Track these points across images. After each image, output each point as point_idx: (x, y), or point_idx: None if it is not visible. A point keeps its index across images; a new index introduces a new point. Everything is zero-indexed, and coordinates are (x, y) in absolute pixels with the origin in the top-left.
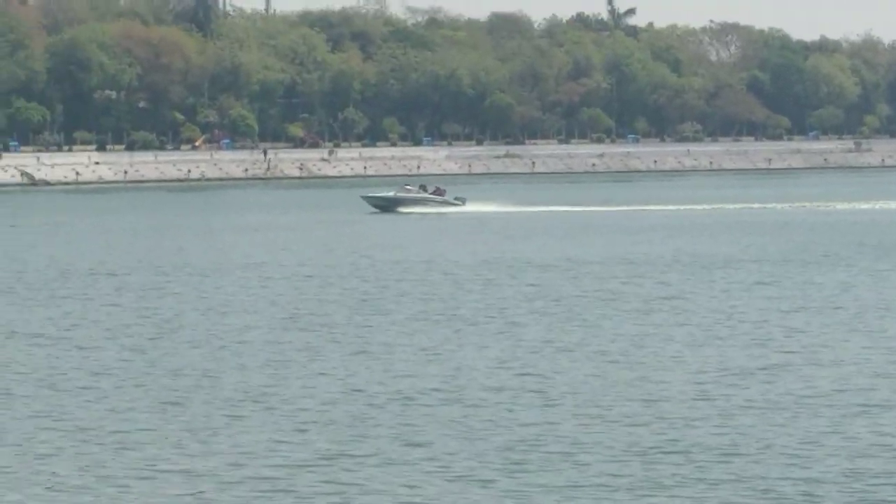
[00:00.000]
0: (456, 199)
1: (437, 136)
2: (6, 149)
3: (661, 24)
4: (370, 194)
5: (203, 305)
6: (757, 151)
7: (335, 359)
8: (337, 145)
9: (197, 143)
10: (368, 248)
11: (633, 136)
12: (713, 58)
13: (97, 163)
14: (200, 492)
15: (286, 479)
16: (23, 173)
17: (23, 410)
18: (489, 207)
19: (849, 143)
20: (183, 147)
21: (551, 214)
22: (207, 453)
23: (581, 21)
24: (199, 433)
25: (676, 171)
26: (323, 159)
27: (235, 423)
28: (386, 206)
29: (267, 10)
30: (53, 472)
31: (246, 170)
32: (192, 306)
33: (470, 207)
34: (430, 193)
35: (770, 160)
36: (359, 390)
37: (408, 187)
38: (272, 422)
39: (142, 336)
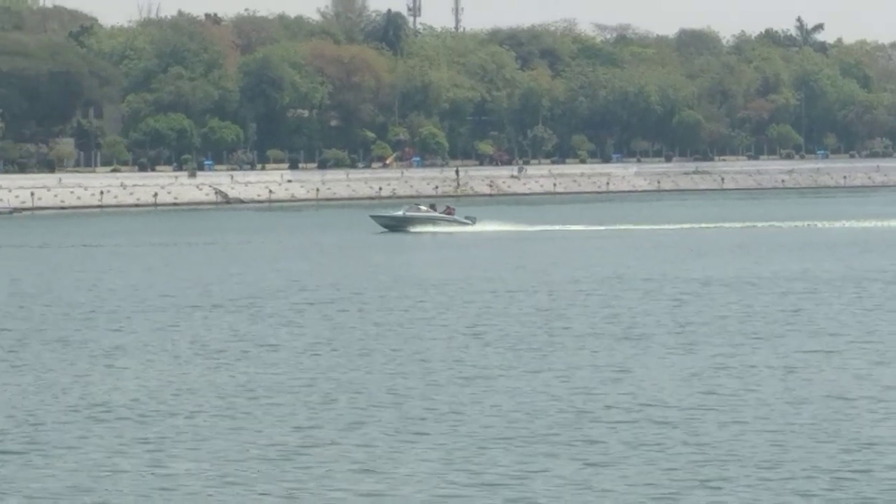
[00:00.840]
0: (466, 218)
1: (626, 152)
2: (201, 167)
3: (849, 39)
4: (379, 214)
5: (390, 320)
6: None
7: (520, 376)
8: (526, 162)
9: (388, 161)
10: (548, 265)
11: (822, 151)
12: None
13: (289, 181)
14: None
15: (468, 499)
16: (217, 191)
17: (211, 427)
18: (501, 227)
19: None
20: (374, 165)
21: (569, 233)
22: (389, 472)
23: (769, 37)
24: (383, 451)
25: (866, 186)
26: (512, 176)
27: (420, 441)
28: (395, 225)
29: (456, 28)
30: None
31: (436, 187)
32: (378, 322)
33: (479, 227)
34: (440, 213)
35: None
36: (543, 407)
37: (420, 207)
38: (453, 440)
39: (333, 352)
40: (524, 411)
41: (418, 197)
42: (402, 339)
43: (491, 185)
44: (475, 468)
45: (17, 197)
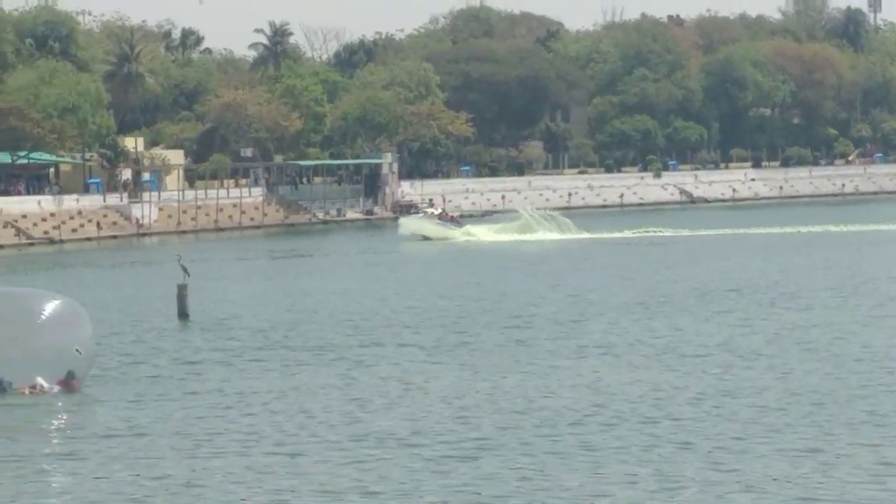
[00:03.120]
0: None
1: None
2: (665, 168)
3: None
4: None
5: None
6: None
7: None
8: None
9: (850, 158)
10: None
11: None
12: None
13: (752, 179)
14: None
15: None
16: (681, 191)
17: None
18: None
19: None
20: (836, 162)
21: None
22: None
23: None
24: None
25: None
26: None
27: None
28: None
29: None
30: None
31: None
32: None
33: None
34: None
35: None
36: None
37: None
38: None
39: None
40: None
41: (882, 192)
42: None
43: None
44: None
45: (488, 200)
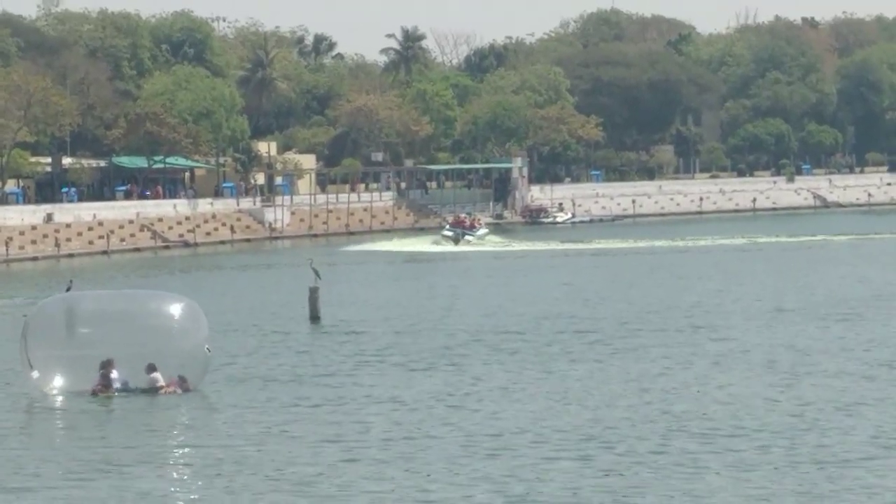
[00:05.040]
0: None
1: None
2: (798, 172)
3: None
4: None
5: None
6: None
7: None
8: None
9: None
10: None
11: None
12: None
13: (889, 184)
14: None
15: None
16: (815, 196)
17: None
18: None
19: None
20: None
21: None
22: None
23: None
24: None
25: None
26: None
27: None
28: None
29: None
30: None
31: None
32: None
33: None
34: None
35: None
36: None
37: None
38: None
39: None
40: None
41: None
42: None
43: None
44: None
45: (618, 204)
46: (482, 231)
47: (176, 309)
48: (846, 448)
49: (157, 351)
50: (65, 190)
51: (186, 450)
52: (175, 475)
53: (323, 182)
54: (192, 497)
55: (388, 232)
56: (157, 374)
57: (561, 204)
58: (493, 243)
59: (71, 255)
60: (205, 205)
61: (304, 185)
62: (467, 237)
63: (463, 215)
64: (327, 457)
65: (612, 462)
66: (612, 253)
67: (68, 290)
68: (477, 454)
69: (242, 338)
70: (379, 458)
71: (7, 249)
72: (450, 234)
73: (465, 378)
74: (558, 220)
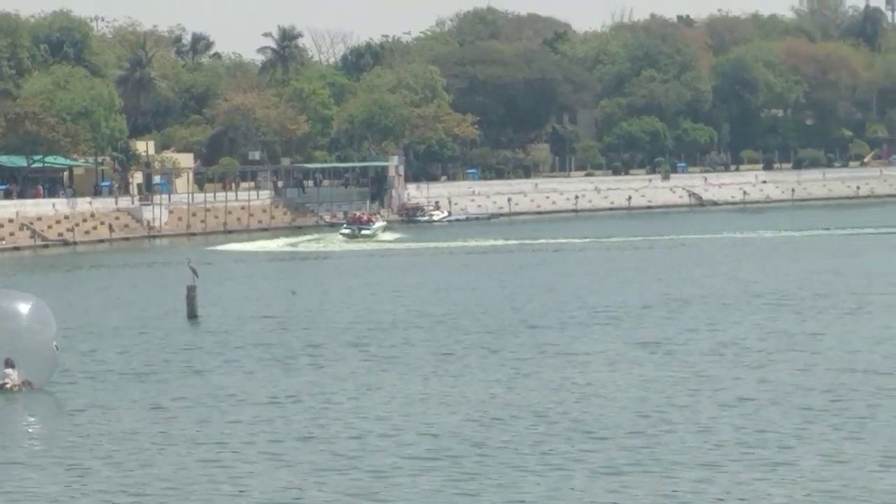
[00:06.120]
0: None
1: None
2: (674, 170)
3: None
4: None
5: None
6: None
7: None
8: None
9: (866, 160)
10: None
11: None
12: None
13: (764, 182)
14: None
15: None
16: (690, 194)
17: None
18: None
19: None
20: (851, 164)
21: None
22: None
23: None
24: None
25: None
26: None
27: None
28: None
29: None
30: None
31: None
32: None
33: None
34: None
35: None
36: None
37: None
38: None
39: None
40: None
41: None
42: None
43: None
44: None
45: (494, 203)
46: (378, 225)
47: (23, 307)
48: (690, 450)
49: (2, 349)
50: None
51: (39, 447)
52: (34, 476)
53: (201, 181)
54: (51, 497)
55: (267, 230)
56: (10, 371)
57: (437, 202)
58: (386, 240)
59: None
60: (84, 204)
61: (182, 184)
62: (364, 232)
63: (359, 212)
64: (196, 455)
65: (462, 462)
66: (486, 251)
67: None
68: (339, 455)
69: (119, 336)
70: (245, 457)
71: None
72: (347, 231)
73: (328, 377)
74: (435, 218)
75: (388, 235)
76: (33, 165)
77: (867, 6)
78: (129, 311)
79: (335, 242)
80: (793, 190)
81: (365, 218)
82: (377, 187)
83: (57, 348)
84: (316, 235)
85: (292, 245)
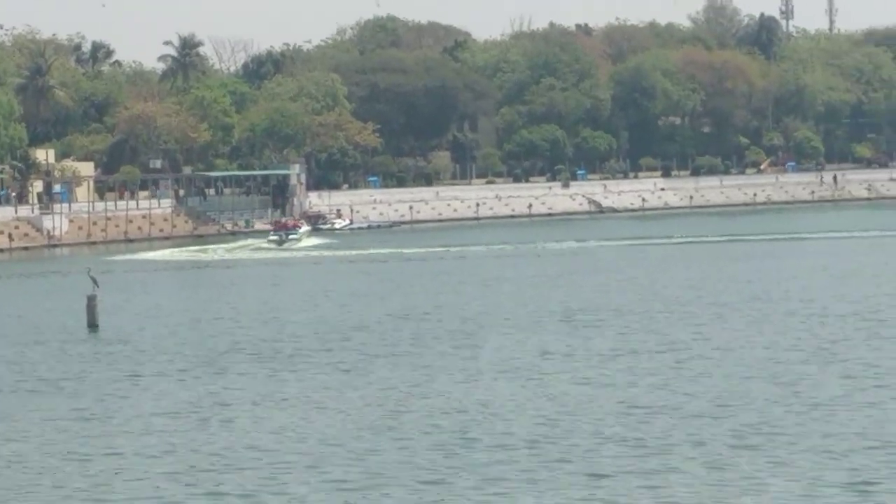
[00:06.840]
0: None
1: None
2: (574, 177)
3: None
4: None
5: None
6: None
7: None
8: None
9: (762, 167)
10: None
11: None
12: None
13: (662, 189)
14: None
15: None
16: (590, 201)
17: None
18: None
19: None
20: (748, 171)
21: None
22: None
23: None
24: None
25: None
26: (892, 179)
27: None
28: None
29: (830, 29)
30: None
31: (812, 192)
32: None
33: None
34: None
35: None
36: None
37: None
38: None
39: None
40: None
41: (795, 202)
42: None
43: (869, 189)
44: None
45: (396, 210)
46: (304, 229)
47: None
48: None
49: None
50: None
51: None
52: None
53: (102, 190)
54: None
55: (168, 239)
56: None
57: (339, 210)
58: (314, 247)
59: None
60: None
61: (83, 192)
62: (292, 237)
63: (285, 218)
64: (89, 468)
65: (351, 472)
66: (385, 258)
67: None
68: (232, 465)
69: (18, 347)
70: (143, 469)
71: None
72: (275, 237)
73: (226, 387)
74: (336, 226)
75: (312, 241)
76: None
77: (762, 15)
78: (27, 321)
79: (262, 250)
80: (691, 197)
81: (291, 224)
82: (279, 195)
83: None
84: (241, 243)
85: (228, 253)
